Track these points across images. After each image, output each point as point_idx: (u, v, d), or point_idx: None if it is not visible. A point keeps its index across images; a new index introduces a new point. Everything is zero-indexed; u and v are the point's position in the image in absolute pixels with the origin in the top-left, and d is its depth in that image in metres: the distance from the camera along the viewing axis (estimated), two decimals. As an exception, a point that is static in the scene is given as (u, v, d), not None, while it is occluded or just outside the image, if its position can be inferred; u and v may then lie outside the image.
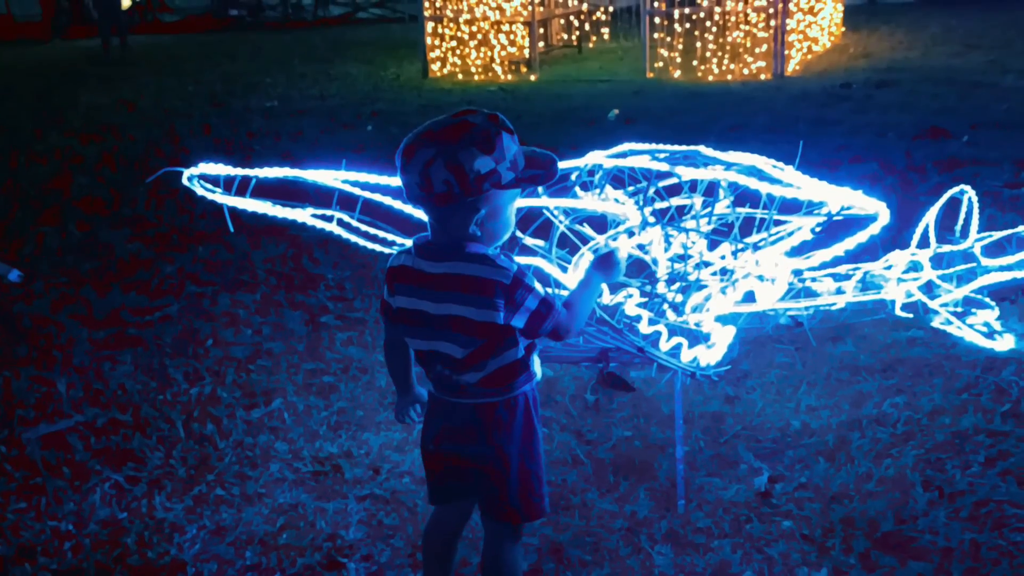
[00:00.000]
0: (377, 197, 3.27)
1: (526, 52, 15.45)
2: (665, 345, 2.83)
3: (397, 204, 3.26)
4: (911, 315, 4.40)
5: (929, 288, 4.47)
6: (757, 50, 13.48)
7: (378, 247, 3.52)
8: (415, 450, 3.92)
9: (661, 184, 3.18)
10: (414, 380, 2.68)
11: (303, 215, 3.45)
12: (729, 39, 13.69)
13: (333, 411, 4.27)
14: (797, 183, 2.89)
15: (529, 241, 3.24)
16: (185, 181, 3.39)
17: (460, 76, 14.97)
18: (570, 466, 3.74)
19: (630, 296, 2.77)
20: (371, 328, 5.16)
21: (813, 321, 4.39)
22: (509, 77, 14.70)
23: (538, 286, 2.37)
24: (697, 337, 2.96)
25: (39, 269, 6.36)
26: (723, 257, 2.90)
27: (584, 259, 2.81)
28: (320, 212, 3.47)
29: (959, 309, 4.60)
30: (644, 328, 2.81)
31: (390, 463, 3.83)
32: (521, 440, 2.49)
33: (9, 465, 3.90)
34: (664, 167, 2.92)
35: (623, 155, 3.15)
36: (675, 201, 3.29)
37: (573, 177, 3.34)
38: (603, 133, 9.95)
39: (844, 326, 4.75)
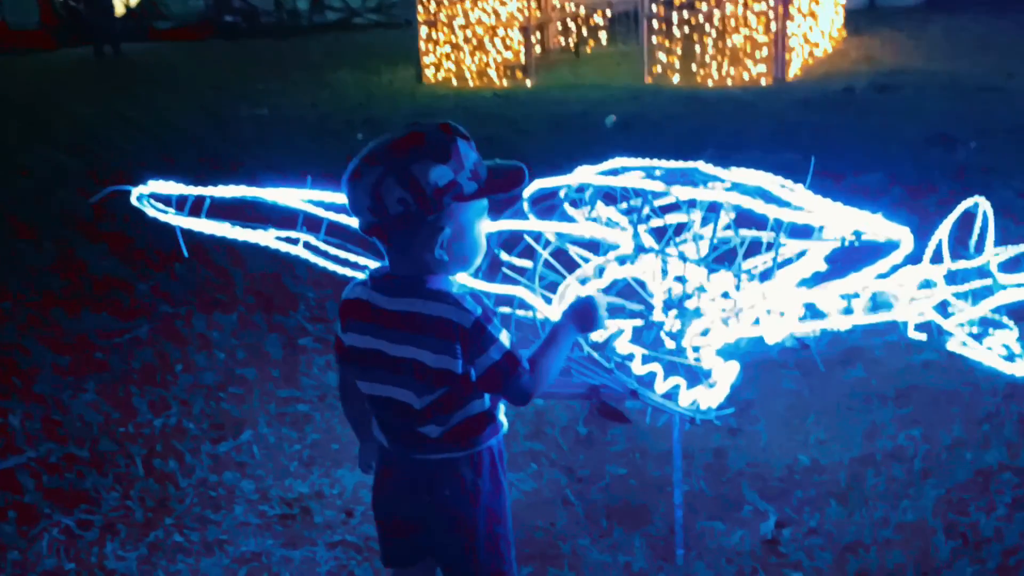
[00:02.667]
0: (343, 219, 2.98)
1: (522, 57, 15.16)
2: (661, 386, 2.54)
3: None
4: (924, 336, 4.10)
5: (943, 307, 4.17)
6: (757, 54, 13.18)
7: (348, 271, 3.24)
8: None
9: (656, 203, 2.89)
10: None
11: (266, 237, 3.17)
12: (729, 43, 13.40)
13: (306, 444, 3.98)
14: (808, 205, 2.59)
15: (517, 261, 2.95)
16: (134, 201, 3.11)
17: (455, 82, 14.68)
18: (560, 508, 3.45)
19: (621, 332, 2.48)
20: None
21: (821, 343, 4.10)
22: (504, 83, 14.41)
23: (504, 336, 2.08)
24: (697, 375, 2.66)
25: (9, 287, 6.06)
26: (725, 295, 2.60)
27: (569, 290, 2.52)
28: (284, 234, 3.19)
29: (976, 330, 4.30)
30: (637, 367, 2.51)
31: (364, 504, 3.53)
32: (487, 500, 2.20)
33: (-48, 508, 3.61)
34: (659, 186, 2.62)
35: (614, 172, 2.86)
36: (671, 218, 2.99)
37: (561, 195, 3.05)
38: (600, 140, 9.65)
39: (854, 349, 4.45)
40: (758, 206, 2.56)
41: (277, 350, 4.94)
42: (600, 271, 2.53)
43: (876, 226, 2.71)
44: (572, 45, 17.16)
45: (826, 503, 3.35)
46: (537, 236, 2.74)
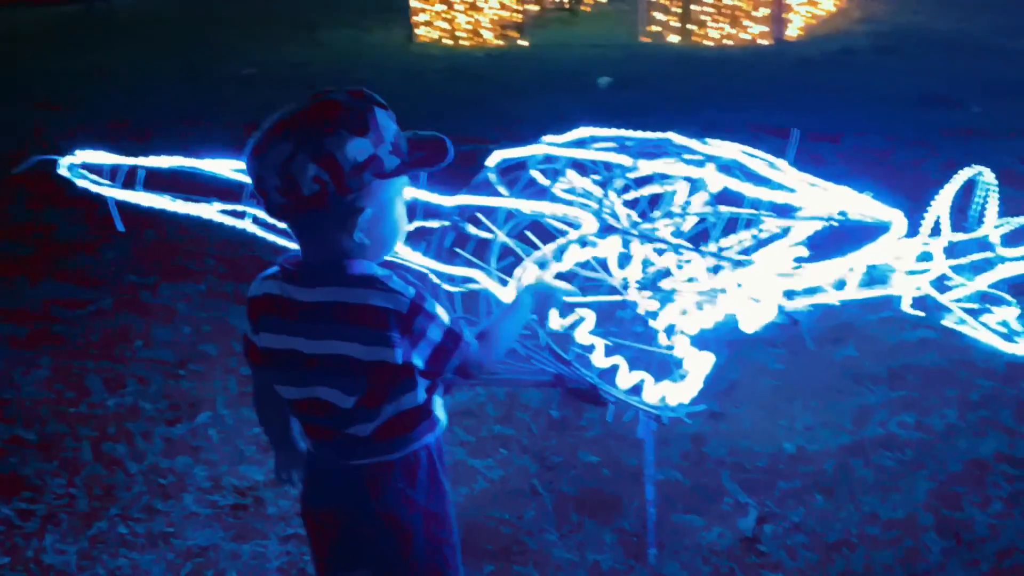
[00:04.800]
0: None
1: (517, 17, 14.79)
2: (625, 380, 2.32)
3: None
4: (921, 313, 3.87)
5: (941, 282, 3.95)
6: (756, 14, 12.83)
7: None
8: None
9: (631, 176, 2.65)
10: (295, 434, 2.16)
11: (209, 211, 2.93)
12: (728, 2, 13.04)
13: (266, 427, 3.77)
14: (789, 182, 2.35)
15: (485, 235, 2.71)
16: (63, 171, 2.88)
17: (447, 41, 14.34)
18: (527, 499, 3.25)
19: (583, 320, 2.25)
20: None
21: (811, 319, 3.87)
22: (499, 42, 14.07)
23: (441, 312, 1.86)
24: (668, 366, 2.44)
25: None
26: (693, 279, 2.37)
27: (526, 273, 2.29)
28: (231, 207, 2.95)
29: (974, 306, 4.07)
30: (599, 359, 2.29)
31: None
32: (426, 504, 1.99)
33: None
34: (626, 160, 2.38)
35: (582, 142, 2.62)
36: (645, 192, 2.74)
37: (534, 168, 2.81)
38: (594, 101, 9.39)
39: (846, 326, 4.23)
40: (732, 183, 2.33)
41: (243, 323, 4.70)
42: (560, 252, 2.31)
43: (864, 206, 2.47)
44: (568, 3, 16.77)
45: (811, 496, 3.15)
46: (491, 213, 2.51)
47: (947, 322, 4.00)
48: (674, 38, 13.08)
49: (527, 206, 2.44)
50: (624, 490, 3.22)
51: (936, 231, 3.91)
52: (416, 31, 14.55)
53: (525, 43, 13.78)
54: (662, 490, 3.19)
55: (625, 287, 2.55)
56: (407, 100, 9.96)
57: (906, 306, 3.81)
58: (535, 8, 15.90)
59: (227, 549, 3.07)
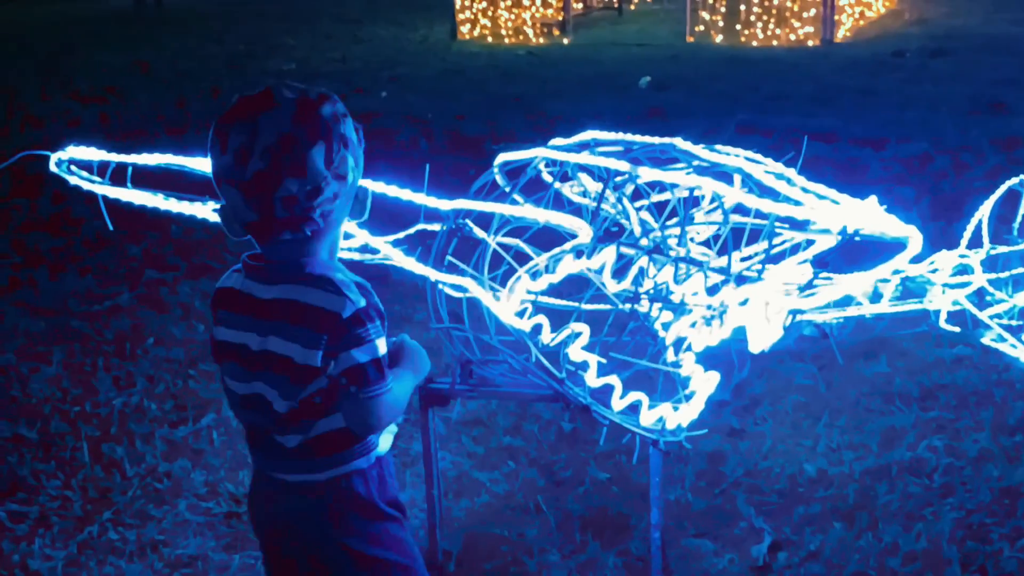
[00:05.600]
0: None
1: (560, 14, 14.64)
2: (619, 402, 2.17)
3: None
4: (957, 328, 3.67)
5: (980, 297, 3.74)
6: (805, 14, 12.56)
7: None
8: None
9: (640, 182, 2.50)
10: None
11: (204, 210, 2.82)
12: (776, 1, 12.78)
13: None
14: (801, 197, 2.17)
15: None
16: (53, 167, 2.79)
17: (490, 39, 14.22)
18: (531, 516, 3.11)
19: (578, 335, 2.11)
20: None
21: (843, 332, 3.69)
22: (541, 40, 13.93)
23: (381, 344, 1.75)
24: (674, 383, 2.29)
25: (-1, 246, 5.81)
26: (713, 290, 2.20)
27: (520, 284, 2.16)
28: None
29: (1014, 323, 3.86)
30: (592, 378, 2.14)
31: (319, 504, 3.22)
32: (369, 539, 1.85)
33: None
34: (624, 166, 2.23)
35: (585, 147, 2.47)
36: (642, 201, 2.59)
37: (544, 169, 2.67)
38: (631, 101, 9.22)
39: (879, 340, 4.03)
40: (732, 193, 2.17)
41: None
42: (555, 263, 2.17)
43: (878, 221, 2.29)
44: (615, 1, 16.58)
45: (830, 523, 2.97)
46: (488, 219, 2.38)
47: (985, 339, 3.81)
48: (720, 38, 12.86)
49: (521, 212, 2.30)
50: (633, 509, 3.07)
51: (976, 242, 3.72)
52: (459, 28, 14.46)
53: (568, 41, 13.63)
54: (673, 511, 3.04)
55: (633, 298, 2.41)
56: (445, 97, 9.95)
57: (943, 321, 3.62)
58: (580, 7, 15.76)
59: (216, 559, 2.97)
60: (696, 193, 2.26)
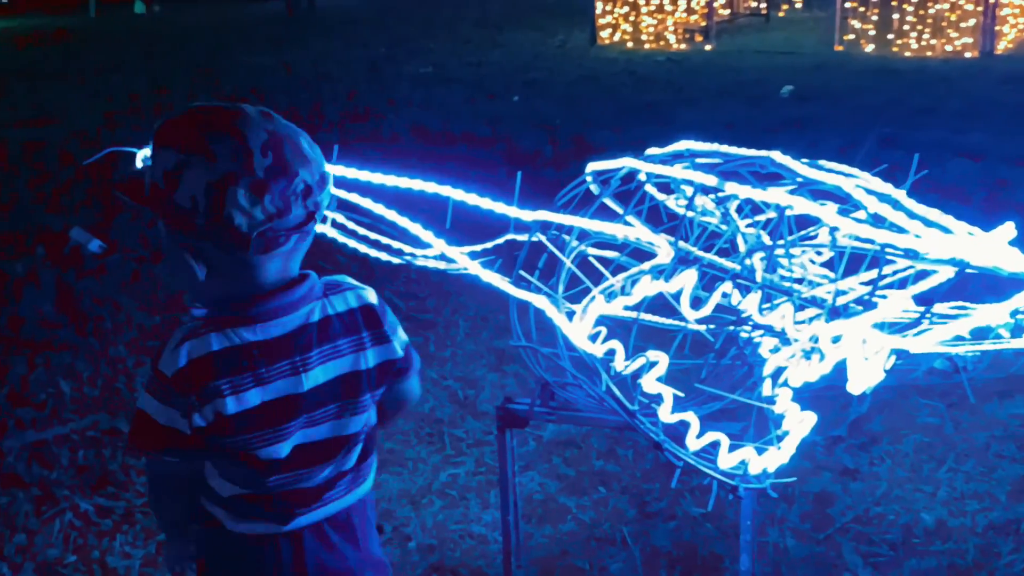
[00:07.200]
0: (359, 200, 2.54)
1: (703, 20, 14.30)
2: (695, 441, 1.97)
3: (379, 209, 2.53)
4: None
5: None
6: (963, 24, 11.88)
7: (383, 255, 2.81)
8: (435, 503, 3.20)
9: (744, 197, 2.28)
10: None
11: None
12: (931, 11, 12.14)
13: (359, 440, 3.59)
14: (911, 226, 1.91)
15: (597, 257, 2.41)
16: (139, 163, 2.76)
17: (629, 44, 14.00)
18: (616, 548, 2.92)
19: (654, 364, 1.91)
20: (438, 334, 4.46)
21: (977, 367, 3.37)
22: (682, 46, 13.63)
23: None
24: (766, 421, 2.07)
25: (123, 241, 5.95)
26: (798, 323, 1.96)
27: (593, 305, 1.98)
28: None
29: None
30: (665, 413, 1.95)
31: (399, 519, 3.12)
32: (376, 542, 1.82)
33: (-17, 478, 3.41)
34: (711, 180, 2.03)
35: (679, 157, 2.27)
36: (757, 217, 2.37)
37: (642, 178, 2.49)
38: (768, 111, 8.87)
39: (1017, 378, 3.66)
40: (828, 215, 1.93)
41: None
42: (632, 283, 1.99)
43: (1000, 255, 2.01)
44: (763, 8, 16.12)
45: (944, 582, 2.69)
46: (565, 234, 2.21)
47: None
48: (870, 48, 12.30)
49: (600, 227, 2.12)
50: (727, 550, 2.85)
51: None
52: (599, 34, 14.29)
53: (710, 48, 13.30)
54: (770, 556, 2.81)
55: (734, 323, 2.20)
56: (576, 103, 9.80)
57: (1093, 361, 3.26)
58: (726, 13, 15.37)
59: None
60: (788, 213, 2.04)
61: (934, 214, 1.99)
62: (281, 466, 1.61)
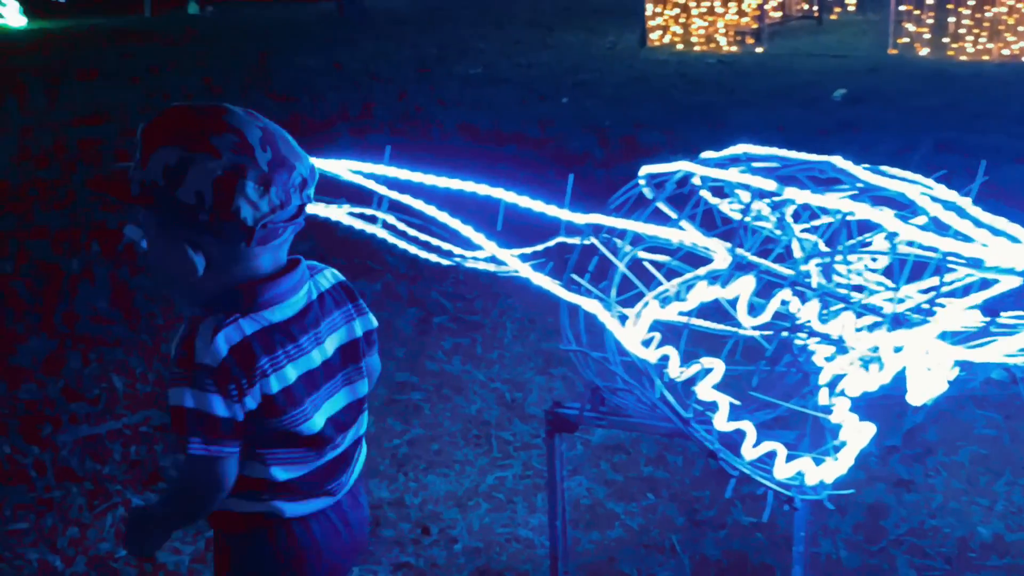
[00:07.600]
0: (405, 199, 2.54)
1: (754, 22, 14.17)
2: (751, 451, 1.94)
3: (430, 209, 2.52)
4: None
5: None
6: (1020, 28, 11.66)
7: (433, 257, 2.80)
8: (481, 506, 3.19)
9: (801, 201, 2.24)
10: None
11: (338, 213, 2.76)
12: (988, 14, 11.92)
13: (406, 439, 3.60)
14: (977, 235, 1.87)
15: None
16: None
17: (680, 46, 13.91)
18: (665, 556, 2.90)
19: (709, 371, 1.88)
20: (486, 336, 4.45)
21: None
22: (733, 48, 13.52)
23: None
24: (823, 431, 2.04)
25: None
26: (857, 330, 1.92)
27: (647, 310, 1.96)
28: (359, 211, 2.78)
29: None
30: (721, 422, 1.92)
31: (444, 521, 3.12)
32: None
33: (35, 471, 3.46)
34: (771, 185, 2.00)
35: (736, 160, 2.24)
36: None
37: (695, 183, 2.46)
38: (820, 114, 8.76)
39: (1079, 390, 3.58)
40: (887, 220, 1.89)
41: (408, 326, 4.59)
42: (687, 289, 1.96)
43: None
44: (815, 11, 15.93)
45: (1002, 597, 2.63)
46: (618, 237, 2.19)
47: None
48: (925, 51, 12.11)
49: (654, 231, 2.10)
50: (777, 560, 2.81)
51: None
52: (650, 35, 14.22)
53: (761, 50, 13.17)
54: (823, 567, 2.77)
55: (790, 329, 2.16)
56: (626, 105, 9.75)
57: None
58: (777, 15, 15.21)
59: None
60: (849, 218, 2.00)
61: (1001, 222, 1.94)
62: (321, 438, 1.71)
